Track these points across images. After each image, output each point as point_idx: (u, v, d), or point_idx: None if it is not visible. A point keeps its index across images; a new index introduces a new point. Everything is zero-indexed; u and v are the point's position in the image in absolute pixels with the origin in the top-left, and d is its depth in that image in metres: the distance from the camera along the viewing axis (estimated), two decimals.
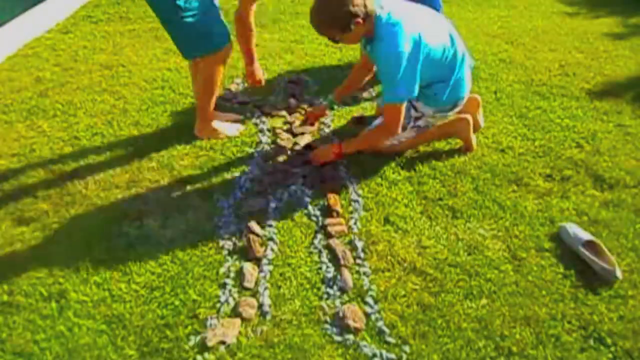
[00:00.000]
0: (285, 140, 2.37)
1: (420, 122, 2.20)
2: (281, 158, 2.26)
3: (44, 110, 2.68)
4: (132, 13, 4.10)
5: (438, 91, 2.11)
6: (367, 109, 2.66)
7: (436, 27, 2.03)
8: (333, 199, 2.00)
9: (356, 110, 2.66)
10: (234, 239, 1.84)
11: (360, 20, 1.84)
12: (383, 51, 1.90)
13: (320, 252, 1.78)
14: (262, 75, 2.47)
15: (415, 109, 2.18)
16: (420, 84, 2.00)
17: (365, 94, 2.79)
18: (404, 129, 2.20)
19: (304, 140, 2.36)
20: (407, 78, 1.91)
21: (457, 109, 2.22)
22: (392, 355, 1.43)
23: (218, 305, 1.59)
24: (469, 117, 2.27)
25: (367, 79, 2.42)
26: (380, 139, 2.17)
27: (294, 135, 2.41)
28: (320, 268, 1.72)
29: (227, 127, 2.44)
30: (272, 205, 1.99)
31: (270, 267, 1.72)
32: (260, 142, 2.39)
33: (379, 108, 2.52)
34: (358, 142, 2.20)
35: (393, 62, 1.88)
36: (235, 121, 2.53)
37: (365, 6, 1.83)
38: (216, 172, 2.20)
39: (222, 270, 1.71)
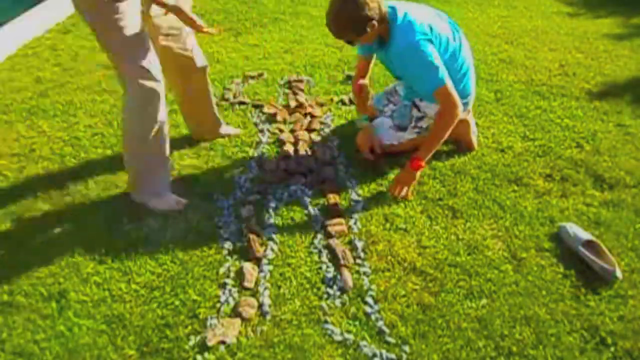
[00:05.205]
0: (286, 140, 2.37)
1: (422, 123, 2.19)
2: (282, 158, 2.26)
3: (44, 110, 2.68)
4: None
5: None
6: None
7: (440, 21, 2.07)
8: (333, 199, 2.00)
9: (353, 111, 2.66)
10: (234, 239, 1.84)
11: (375, 23, 1.89)
12: (403, 45, 1.93)
13: (320, 252, 1.78)
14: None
15: (418, 109, 2.18)
16: None
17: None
18: (405, 129, 2.20)
19: (304, 138, 2.36)
20: (435, 62, 1.91)
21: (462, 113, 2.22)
22: (392, 355, 1.43)
23: (218, 305, 1.59)
24: (467, 118, 2.27)
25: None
26: (448, 125, 1.98)
27: (294, 134, 2.42)
28: (320, 268, 1.72)
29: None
30: (272, 205, 1.99)
31: (270, 267, 1.72)
32: (260, 142, 2.39)
33: (370, 108, 2.53)
34: (430, 143, 2.01)
35: (417, 51, 1.90)
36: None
37: (379, 9, 1.89)
38: (216, 172, 2.20)
39: (222, 270, 1.71)
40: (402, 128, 2.20)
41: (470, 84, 2.17)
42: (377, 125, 2.24)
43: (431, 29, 1.96)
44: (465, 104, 2.19)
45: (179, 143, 2.37)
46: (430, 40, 1.93)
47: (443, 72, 1.93)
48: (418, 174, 2.02)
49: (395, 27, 1.94)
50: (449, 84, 1.94)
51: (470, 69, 2.16)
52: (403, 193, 2.01)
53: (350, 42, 2.01)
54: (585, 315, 1.55)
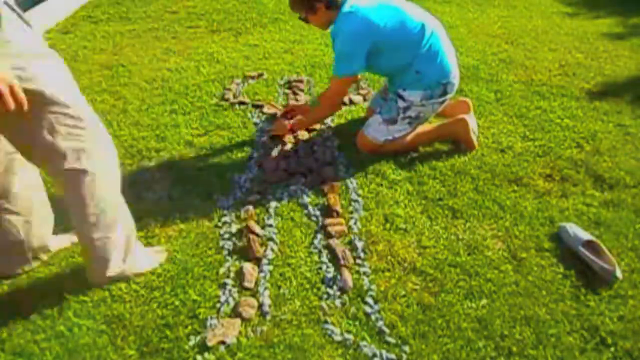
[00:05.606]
0: (286, 140, 2.37)
1: (411, 113, 2.20)
2: (282, 158, 2.26)
3: None
4: (132, 13, 4.11)
5: (419, 68, 2.14)
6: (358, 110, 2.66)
7: (400, 3, 2.17)
8: (333, 199, 2.00)
9: (353, 111, 2.67)
10: (234, 239, 1.84)
11: (322, 5, 2.06)
12: (335, 29, 2.12)
13: (320, 252, 1.78)
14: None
15: (403, 99, 2.19)
16: (398, 67, 2.16)
17: (356, 97, 2.78)
18: (394, 122, 2.20)
19: (304, 137, 2.36)
20: (354, 55, 2.10)
21: (447, 96, 2.23)
22: (392, 355, 1.43)
23: (218, 305, 1.58)
24: (466, 117, 2.27)
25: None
26: (325, 109, 2.36)
27: (294, 134, 2.42)
28: (320, 268, 1.72)
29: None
30: (272, 205, 1.99)
31: (270, 267, 1.72)
32: (260, 142, 2.39)
33: (369, 109, 2.53)
34: (308, 117, 2.40)
35: (342, 39, 2.08)
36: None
37: None
38: (216, 172, 2.20)
39: (222, 270, 1.71)
40: (393, 121, 2.20)
41: (449, 63, 2.19)
42: (369, 124, 2.25)
43: (382, 9, 2.07)
44: (448, 85, 2.20)
45: (178, 144, 2.37)
46: (363, 33, 2.04)
47: (356, 69, 2.14)
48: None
49: (340, 14, 2.09)
50: (349, 82, 2.23)
51: (445, 48, 2.18)
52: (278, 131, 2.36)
53: (304, 20, 2.19)
54: (585, 315, 1.55)
